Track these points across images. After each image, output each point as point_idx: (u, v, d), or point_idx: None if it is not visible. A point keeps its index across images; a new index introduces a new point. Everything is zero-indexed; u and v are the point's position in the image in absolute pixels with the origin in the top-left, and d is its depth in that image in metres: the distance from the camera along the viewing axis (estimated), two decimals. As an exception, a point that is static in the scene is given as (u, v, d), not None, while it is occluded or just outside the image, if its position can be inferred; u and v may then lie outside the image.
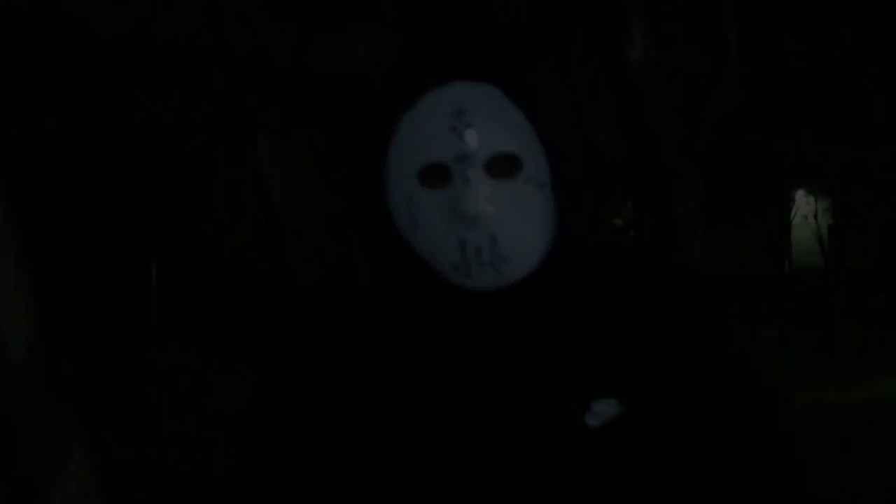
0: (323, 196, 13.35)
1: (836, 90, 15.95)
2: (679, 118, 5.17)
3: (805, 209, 26.16)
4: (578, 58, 8.05)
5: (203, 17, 9.31)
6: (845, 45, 14.47)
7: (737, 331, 1.23)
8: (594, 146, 9.23)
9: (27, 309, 3.26)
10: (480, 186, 1.12)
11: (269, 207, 8.94)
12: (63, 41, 11.72)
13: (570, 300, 1.21)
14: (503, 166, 1.14)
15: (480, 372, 1.19)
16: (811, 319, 30.84)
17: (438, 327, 1.22)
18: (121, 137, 13.97)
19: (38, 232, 16.80)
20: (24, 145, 14.08)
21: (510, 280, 1.16)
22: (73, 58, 11.72)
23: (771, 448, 1.20)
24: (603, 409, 1.16)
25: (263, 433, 1.29)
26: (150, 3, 9.92)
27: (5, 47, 11.88)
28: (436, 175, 1.14)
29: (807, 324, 31.69)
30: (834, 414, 12.39)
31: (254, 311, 18.12)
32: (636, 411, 1.16)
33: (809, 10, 13.55)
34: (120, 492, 8.19)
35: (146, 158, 14.69)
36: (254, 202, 10.72)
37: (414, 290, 1.23)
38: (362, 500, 1.20)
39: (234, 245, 15.11)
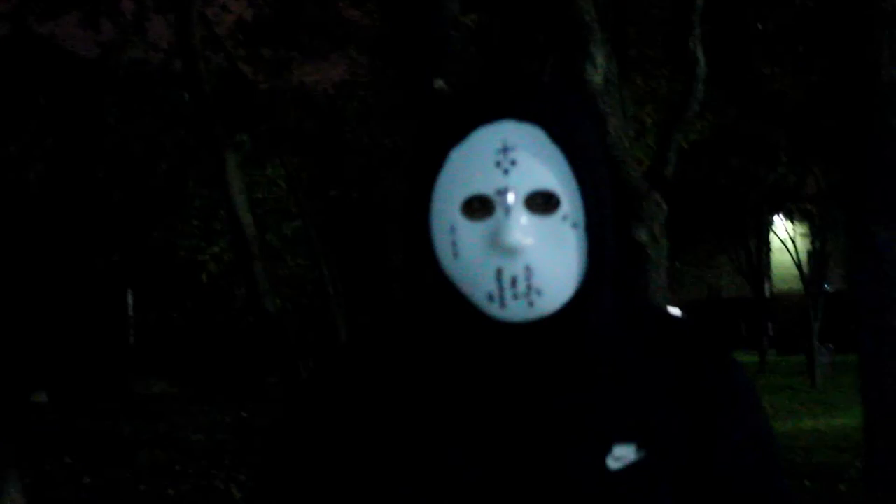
0: (299, 223, 13.27)
1: (812, 113, 15.98)
2: (649, 143, 5.12)
3: (784, 234, 26.21)
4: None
5: (174, 43, 9.29)
6: (822, 68, 14.50)
7: (739, 375, 1.33)
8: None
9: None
10: (520, 219, 1.19)
11: (238, 234, 8.87)
12: (37, 64, 11.66)
13: (596, 339, 1.27)
14: (542, 202, 1.20)
15: (506, 406, 1.24)
16: (791, 345, 30.94)
17: (468, 358, 1.26)
18: (92, 162, 13.88)
19: (10, 261, 16.68)
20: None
21: (541, 313, 1.21)
22: (45, 81, 11.65)
23: (774, 486, 1.32)
24: (623, 454, 1.23)
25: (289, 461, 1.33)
26: (120, 29, 9.86)
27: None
28: (478, 206, 1.20)
29: (787, 350, 31.79)
30: (814, 441, 12.33)
31: (230, 339, 18.05)
32: (653, 456, 1.24)
33: (783, 36, 13.59)
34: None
35: (117, 183, 14.61)
36: (228, 228, 10.65)
37: (447, 321, 1.28)
38: None
39: (209, 272, 15.01)
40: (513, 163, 1.20)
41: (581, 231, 1.22)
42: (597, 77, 3.76)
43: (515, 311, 1.20)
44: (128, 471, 10.24)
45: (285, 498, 1.34)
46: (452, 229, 1.22)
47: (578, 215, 1.22)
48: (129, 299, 19.89)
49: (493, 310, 1.20)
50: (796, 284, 26.62)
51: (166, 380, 18.44)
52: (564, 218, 1.21)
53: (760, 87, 14.96)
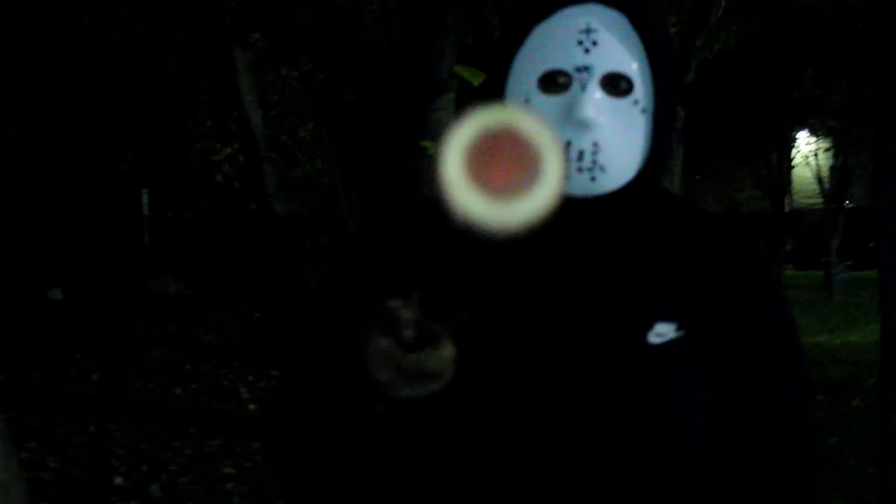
0: (312, 125, 13.09)
1: (841, 27, 15.62)
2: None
3: (806, 149, 25.85)
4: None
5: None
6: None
7: (770, 276, 1.43)
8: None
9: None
10: (595, 95, 1.25)
11: (248, 135, 8.72)
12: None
13: (647, 222, 1.34)
14: (616, 84, 1.27)
15: (555, 278, 1.30)
16: (810, 261, 30.75)
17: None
18: (100, 56, 13.68)
19: (26, 161, 16.62)
20: (5, 76, 13.82)
21: (602, 190, 1.27)
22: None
23: (797, 380, 1.38)
24: (664, 331, 1.29)
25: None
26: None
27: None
28: (556, 81, 1.27)
29: (805, 265, 31.60)
30: (829, 356, 12.25)
31: (245, 241, 18.00)
32: (691, 338, 1.30)
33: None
34: (94, 418, 8.11)
35: (127, 82, 14.43)
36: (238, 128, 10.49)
37: None
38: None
39: (224, 172, 14.87)
40: (594, 43, 1.26)
41: (648, 117, 1.29)
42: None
43: (578, 184, 1.25)
44: (137, 368, 10.27)
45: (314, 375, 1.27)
46: (527, 101, 1.28)
47: (648, 102, 1.29)
48: (145, 199, 19.86)
49: None
50: (817, 200, 26.38)
51: (181, 280, 18.45)
52: (635, 103, 1.28)
53: (790, 1, 14.60)
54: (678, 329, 1.29)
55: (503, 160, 0.98)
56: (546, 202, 0.98)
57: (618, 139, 1.26)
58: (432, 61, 3.93)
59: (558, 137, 1.15)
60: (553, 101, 1.27)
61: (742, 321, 1.33)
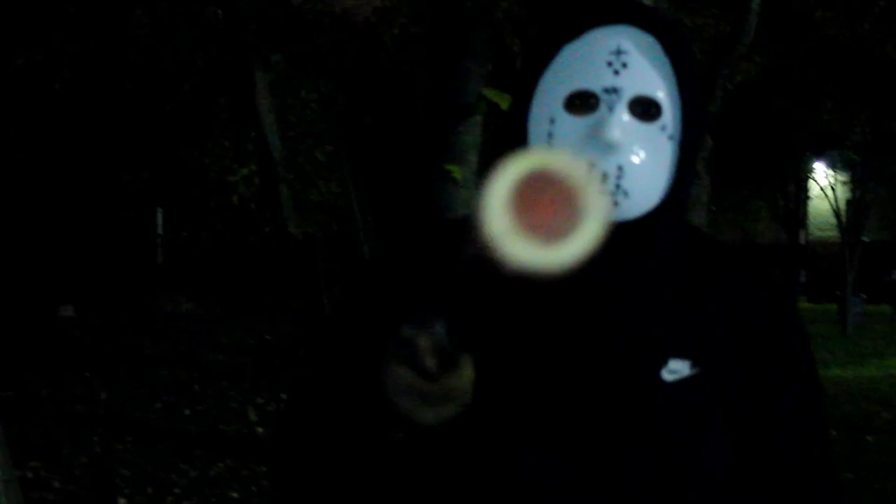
0: (331, 148, 13.08)
1: (862, 60, 15.56)
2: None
3: (824, 181, 25.76)
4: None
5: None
6: (875, 14, 14.08)
7: (790, 304, 1.38)
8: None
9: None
10: (622, 118, 1.22)
11: (266, 156, 8.69)
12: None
13: (667, 254, 1.30)
14: (644, 109, 1.24)
15: (570, 306, 1.26)
16: (824, 293, 30.59)
17: None
18: (119, 74, 13.71)
19: (43, 177, 16.63)
20: (24, 90, 13.84)
21: (623, 216, 1.23)
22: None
23: (817, 416, 1.35)
24: (678, 368, 1.25)
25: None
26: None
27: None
28: (583, 102, 1.24)
29: (819, 298, 31.45)
30: (842, 391, 12.12)
31: (259, 262, 17.97)
32: (706, 376, 1.25)
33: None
34: (100, 437, 8.05)
35: (146, 100, 14.45)
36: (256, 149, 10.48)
37: None
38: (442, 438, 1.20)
39: (239, 194, 14.87)
40: (624, 65, 1.23)
41: (675, 145, 1.26)
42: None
43: None
44: (146, 388, 10.20)
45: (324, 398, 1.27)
46: (552, 121, 1.25)
47: (676, 129, 1.25)
48: (159, 218, 19.85)
49: None
50: (833, 233, 26.25)
51: (194, 300, 18.42)
52: (663, 128, 1.25)
53: (811, 32, 14.55)
54: (693, 366, 1.26)
55: (546, 203, 0.97)
56: (594, 238, 0.97)
57: (643, 164, 1.23)
58: (458, 83, 3.85)
59: (591, 167, 1.19)
60: (579, 122, 1.24)
61: (762, 358, 1.30)
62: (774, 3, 12.36)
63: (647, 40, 1.25)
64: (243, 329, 14.92)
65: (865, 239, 23.54)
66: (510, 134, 1.30)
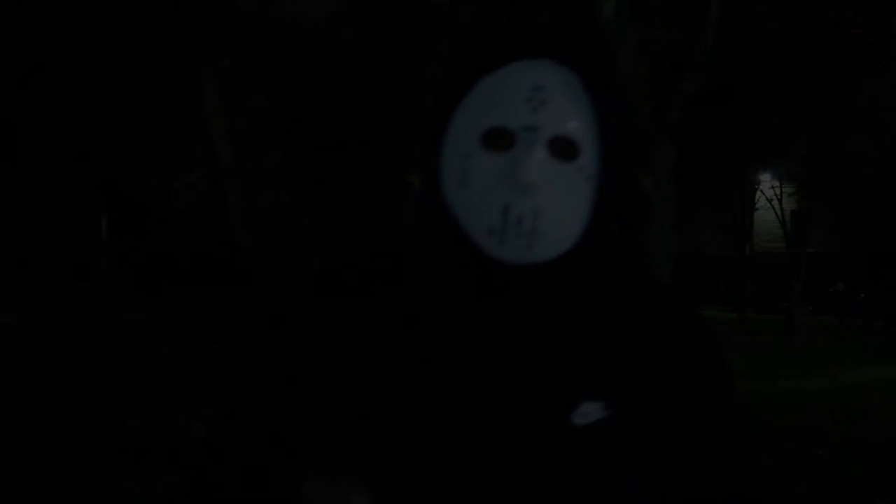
0: (281, 155, 12.95)
1: (810, 73, 15.69)
2: (648, 90, 4.85)
3: (769, 193, 25.99)
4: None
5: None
6: (822, 28, 14.20)
7: (708, 339, 1.33)
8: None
9: None
10: (540, 158, 1.17)
11: (213, 163, 8.57)
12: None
13: (582, 295, 1.26)
14: (562, 149, 1.19)
15: (484, 346, 1.22)
16: (770, 304, 30.85)
17: (457, 292, 1.24)
18: (66, 83, 13.51)
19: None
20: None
21: (538, 258, 1.20)
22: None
23: (738, 448, 1.31)
24: (590, 411, 1.21)
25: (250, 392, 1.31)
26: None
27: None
28: (499, 138, 1.19)
29: (765, 309, 31.73)
30: (791, 403, 12.17)
31: (203, 270, 17.76)
32: (620, 417, 1.22)
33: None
34: (45, 449, 7.88)
35: (93, 105, 14.24)
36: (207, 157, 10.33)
37: (439, 251, 1.25)
38: (348, 466, 1.21)
39: (185, 200, 14.69)
40: (543, 102, 1.18)
41: (592, 185, 1.22)
42: (607, 8, 3.45)
43: (513, 250, 1.18)
44: (91, 399, 10.00)
45: (243, 419, 1.30)
46: (467, 156, 1.20)
47: (594, 169, 1.21)
48: (103, 224, 19.60)
49: (492, 245, 1.18)
50: (779, 244, 26.48)
51: (140, 308, 18.18)
52: (581, 169, 1.20)
53: (758, 43, 14.65)
54: (606, 408, 1.22)
55: None
56: None
57: (560, 206, 1.19)
58: (419, 91, 3.76)
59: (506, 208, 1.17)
60: (495, 160, 1.19)
61: (680, 397, 1.27)
62: (722, 15, 12.41)
63: (569, 77, 1.21)
64: (191, 338, 14.71)
65: (811, 250, 23.73)
66: (424, 169, 1.26)
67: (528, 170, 1.16)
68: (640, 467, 1.24)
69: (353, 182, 12.16)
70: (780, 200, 24.70)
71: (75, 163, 16.48)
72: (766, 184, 27.00)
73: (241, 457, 1.29)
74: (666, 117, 3.84)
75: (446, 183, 1.22)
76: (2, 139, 15.54)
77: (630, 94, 3.50)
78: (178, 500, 6.58)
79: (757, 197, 26.99)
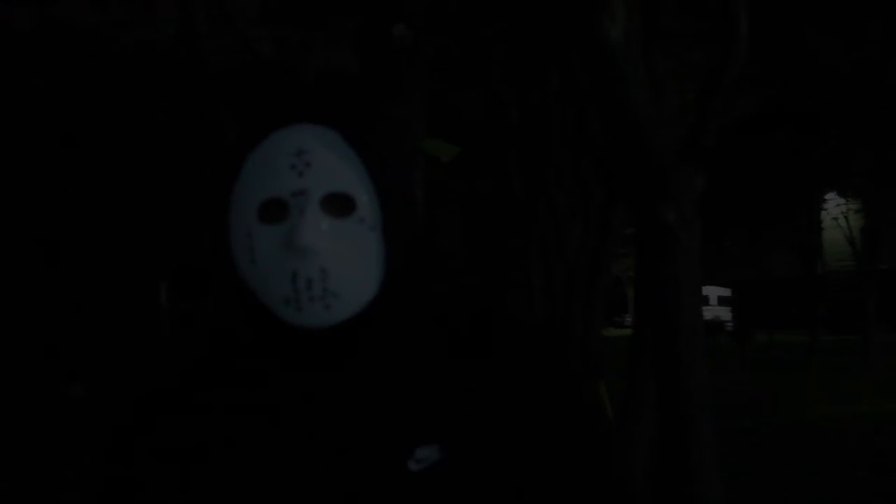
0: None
1: (863, 88, 15.33)
2: (683, 117, 4.64)
3: (835, 211, 25.46)
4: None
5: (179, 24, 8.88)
6: (873, 41, 13.87)
7: (549, 369, 1.30)
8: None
9: None
10: (314, 220, 1.18)
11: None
12: (52, 46, 11.36)
13: (397, 343, 1.26)
14: (338, 205, 1.20)
15: (308, 413, 1.23)
16: (844, 325, 30.18)
17: (270, 367, 1.25)
18: (106, 153, 13.66)
19: (42, 253, 16.55)
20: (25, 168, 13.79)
21: (340, 317, 1.21)
22: (64, 64, 11.34)
23: (587, 483, 1.28)
24: (425, 455, 1.21)
25: (113, 476, 1.32)
26: (127, 8, 9.50)
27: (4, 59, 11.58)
28: (274, 210, 1.20)
29: (840, 330, 31.03)
30: (871, 427, 11.71)
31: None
32: (456, 456, 1.22)
33: (836, 4, 12.95)
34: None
35: (135, 176, 14.39)
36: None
37: (249, 329, 1.27)
38: None
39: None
40: (307, 165, 1.20)
41: (379, 234, 1.22)
42: (615, 32, 3.22)
43: (312, 314, 1.20)
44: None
45: None
46: (249, 235, 1.21)
47: (376, 218, 1.22)
48: (163, 289, 19.74)
49: (290, 314, 1.20)
50: (848, 262, 25.91)
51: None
52: (361, 220, 1.21)
53: (809, 61, 14.35)
54: (442, 450, 1.22)
55: None
56: None
57: (347, 262, 1.20)
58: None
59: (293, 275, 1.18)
60: (274, 232, 1.20)
61: (522, 432, 1.25)
62: (769, 35, 12.15)
63: (328, 135, 1.22)
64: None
65: (883, 267, 23.17)
66: (217, 252, 1.27)
67: (304, 234, 1.17)
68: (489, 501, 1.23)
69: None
70: (846, 218, 24.16)
71: (129, 231, 16.64)
72: (832, 202, 26.51)
73: None
74: (697, 145, 3.57)
75: (238, 261, 1.23)
76: (52, 210, 15.75)
77: (642, 121, 3.25)
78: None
79: (823, 216, 26.49)
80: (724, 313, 45.32)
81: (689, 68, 12.56)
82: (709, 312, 45.94)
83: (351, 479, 1.21)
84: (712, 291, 45.82)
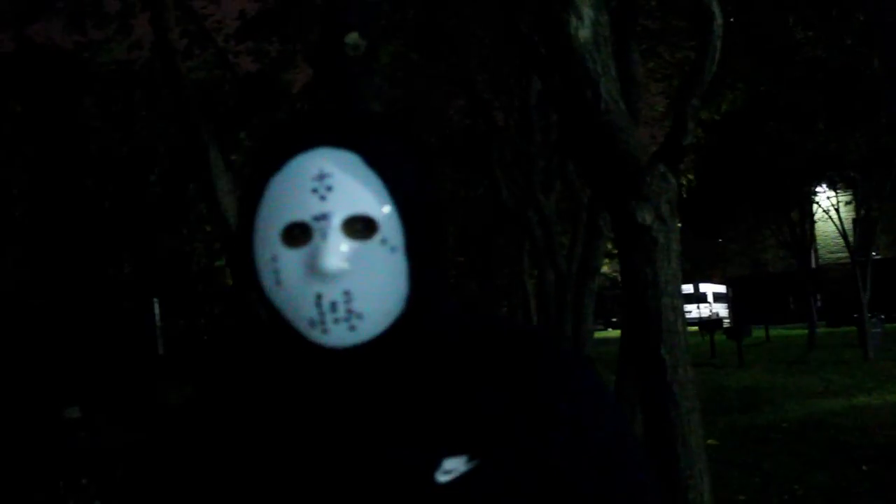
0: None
1: (849, 76, 15.31)
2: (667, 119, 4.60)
3: (826, 203, 25.43)
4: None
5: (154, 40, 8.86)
6: (856, 31, 13.84)
7: (579, 381, 1.31)
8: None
9: None
10: (337, 244, 1.21)
11: (226, 239, 8.41)
12: (32, 64, 11.32)
13: (422, 360, 1.29)
14: (360, 228, 1.22)
15: (336, 431, 1.26)
16: (841, 317, 30.15)
17: (298, 387, 1.29)
18: (78, 169, 13.60)
19: (31, 281, 16.50)
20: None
21: (364, 337, 1.23)
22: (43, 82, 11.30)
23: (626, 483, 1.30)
24: (453, 466, 1.23)
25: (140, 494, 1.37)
26: (103, 27, 9.45)
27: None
28: (298, 234, 1.22)
29: (837, 321, 31.01)
30: (870, 420, 11.66)
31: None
32: (486, 467, 1.24)
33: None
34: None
35: (116, 192, 14.34)
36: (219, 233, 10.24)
37: (277, 351, 1.32)
38: None
39: (225, 277, 14.66)
40: (329, 188, 1.22)
41: (401, 255, 1.24)
42: (583, 31, 3.17)
43: (337, 336, 1.22)
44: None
45: None
46: (274, 258, 1.23)
47: (398, 239, 1.24)
48: (157, 309, 19.66)
49: (316, 335, 1.23)
50: (843, 254, 25.88)
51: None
52: (383, 242, 1.23)
53: (795, 53, 14.33)
54: (470, 460, 1.24)
55: None
56: None
57: (370, 283, 1.22)
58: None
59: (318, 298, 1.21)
60: (298, 255, 1.22)
61: (551, 437, 1.27)
62: (754, 30, 12.13)
63: (349, 158, 1.23)
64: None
65: (877, 256, 23.13)
66: (245, 275, 1.30)
67: (327, 258, 1.19)
68: None
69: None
70: (837, 210, 24.14)
71: (110, 251, 16.59)
72: (822, 194, 26.49)
73: None
74: (679, 140, 3.52)
75: (265, 285, 1.25)
76: (37, 238, 15.71)
77: (615, 122, 3.20)
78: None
79: (814, 209, 26.47)
80: (722, 310, 45.39)
81: (675, 68, 12.56)
82: (706, 310, 46.01)
83: (379, 491, 1.24)
84: (709, 289, 45.89)
